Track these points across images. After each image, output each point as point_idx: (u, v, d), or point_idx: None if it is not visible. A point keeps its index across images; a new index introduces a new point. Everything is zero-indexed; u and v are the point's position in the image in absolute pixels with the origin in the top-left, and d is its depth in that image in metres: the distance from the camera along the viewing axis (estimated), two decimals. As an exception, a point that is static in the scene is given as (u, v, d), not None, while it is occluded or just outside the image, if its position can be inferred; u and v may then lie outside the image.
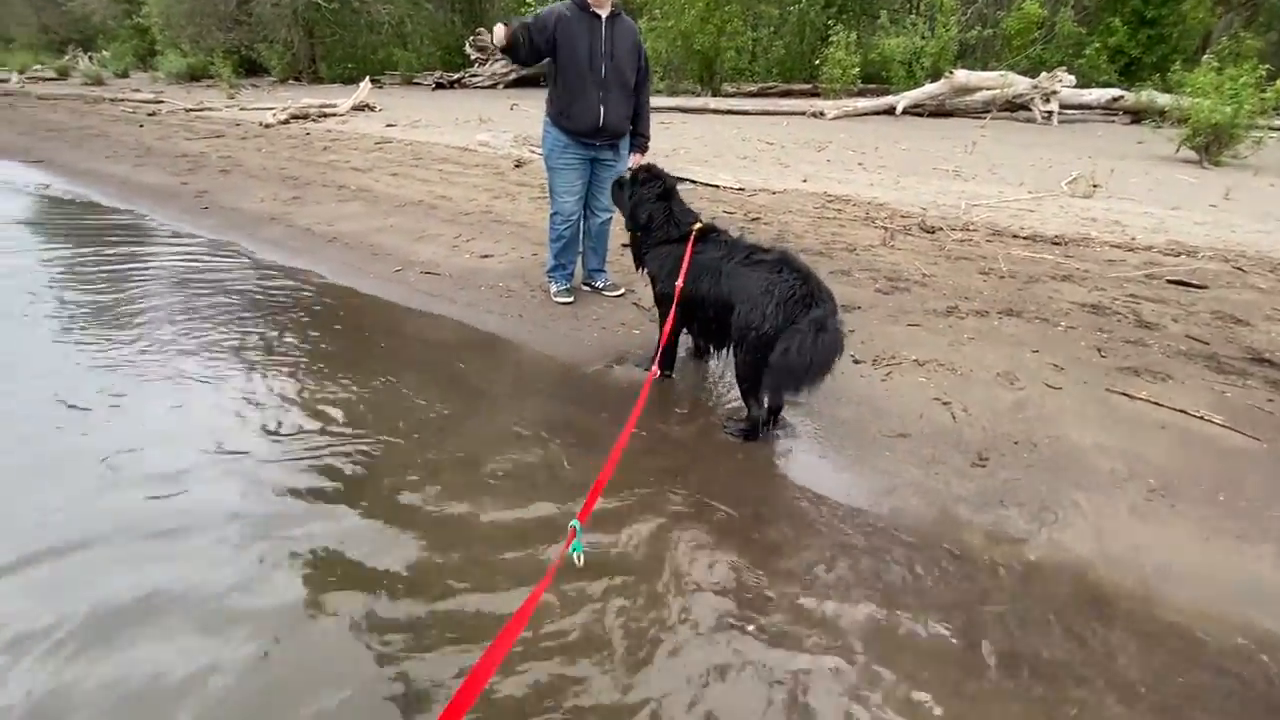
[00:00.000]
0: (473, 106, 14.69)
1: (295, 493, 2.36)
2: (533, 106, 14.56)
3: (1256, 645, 1.81)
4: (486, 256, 4.93)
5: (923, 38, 13.16)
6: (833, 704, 1.62)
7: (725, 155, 8.93)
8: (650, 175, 3.10)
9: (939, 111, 12.25)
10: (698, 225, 2.92)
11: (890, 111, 12.25)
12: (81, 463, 2.46)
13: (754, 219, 5.77)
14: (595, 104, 3.54)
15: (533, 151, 9.23)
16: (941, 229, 5.30)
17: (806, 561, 2.09)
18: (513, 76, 19.62)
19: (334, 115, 12.74)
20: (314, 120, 12.22)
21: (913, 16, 13.75)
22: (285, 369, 3.29)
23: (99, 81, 21.79)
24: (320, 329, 3.80)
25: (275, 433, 2.73)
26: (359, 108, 13.43)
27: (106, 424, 2.73)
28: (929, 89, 12.18)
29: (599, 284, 4.21)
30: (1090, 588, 2.00)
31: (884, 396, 2.97)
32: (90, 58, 25.37)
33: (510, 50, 3.34)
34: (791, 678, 1.69)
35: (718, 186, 7.20)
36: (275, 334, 3.69)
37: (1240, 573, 2.04)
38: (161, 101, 14.79)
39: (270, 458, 2.56)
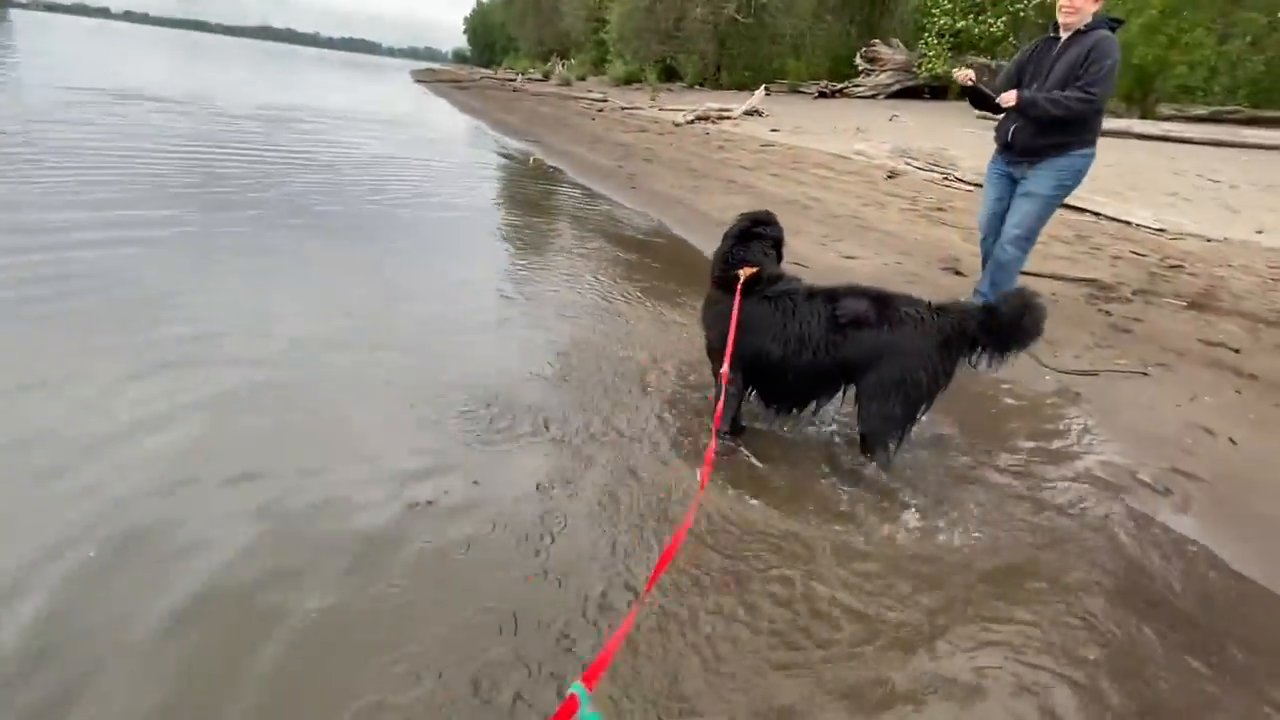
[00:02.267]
0: (852, 116, 14.95)
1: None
2: (911, 119, 14.17)
3: None
4: (850, 258, 5.27)
5: None
6: None
7: (1145, 189, 7.57)
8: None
9: None
10: (747, 272, 2.44)
11: None
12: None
13: (1172, 267, 4.94)
14: (1008, 121, 3.61)
15: (908, 164, 9.15)
16: None
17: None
18: (896, 88, 19.20)
19: (729, 119, 14.38)
20: (713, 122, 14.00)
21: None
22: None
23: (568, 83, 28.38)
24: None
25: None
26: (750, 113, 14.87)
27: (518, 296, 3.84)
28: None
29: None
30: None
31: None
32: (564, 64, 33.07)
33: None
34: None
35: (1127, 223, 6.24)
36: (672, 287, 4.64)
37: None
38: (606, 101, 18.67)
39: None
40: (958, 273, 4.90)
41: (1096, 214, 6.48)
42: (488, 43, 67.39)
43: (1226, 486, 2.47)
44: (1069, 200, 6.95)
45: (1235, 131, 10.60)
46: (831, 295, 2.39)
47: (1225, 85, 12.83)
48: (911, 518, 2.16)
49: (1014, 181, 3.68)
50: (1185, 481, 2.47)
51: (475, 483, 2.16)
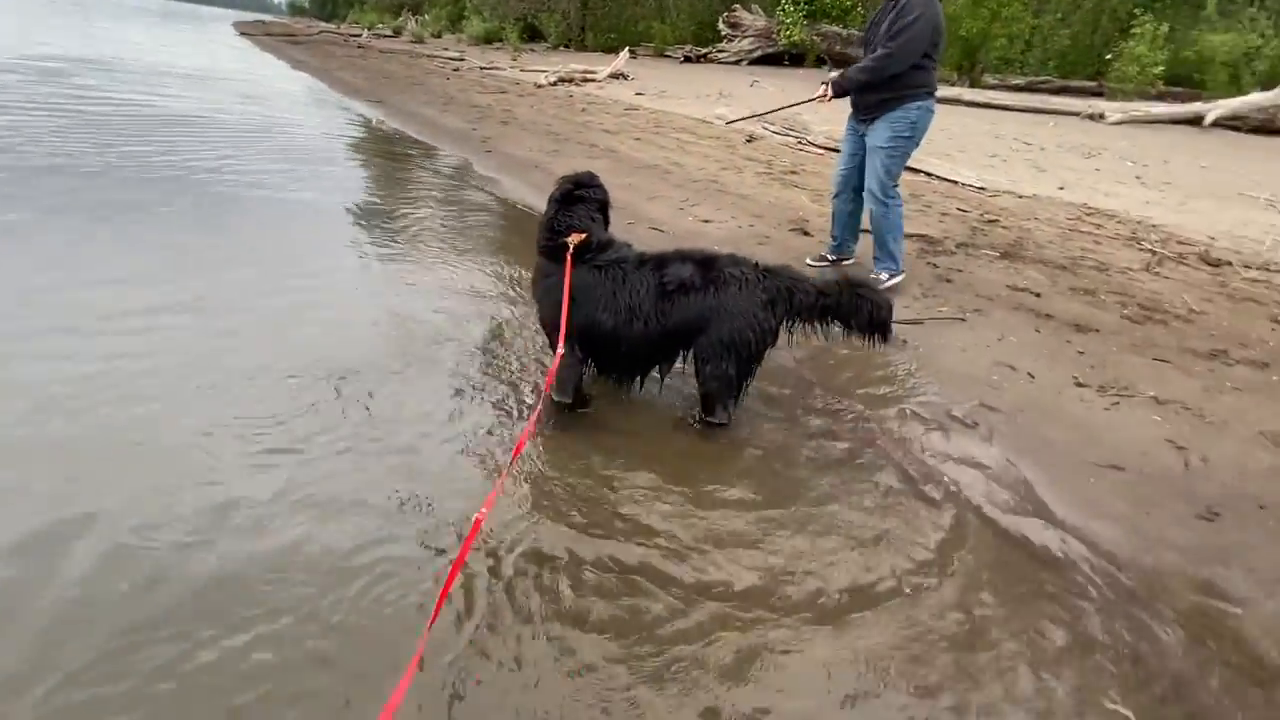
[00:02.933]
0: (715, 81, 15.12)
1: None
2: (771, 84, 14.58)
3: None
4: (707, 221, 5.29)
5: (1261, 36, 10.69)
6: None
7: (971, 151, 8.28)
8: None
9: (1265, 128, 9.96)
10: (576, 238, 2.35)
11: (1195, 122, 10.25)
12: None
13: (990, 221, 5.41)
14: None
15: (765, 128, 9.37)
16: (1230, 264, 4.51)
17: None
18: (757, 54, 19.71)
19: (593, 81, 14.02)
20: (576, 84, 13.58)
21: (1252, 9, 11.19)
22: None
23: (420, 40, 26.31)
24: None
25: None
26: (615, 76, 14.59)
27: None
28: (1256, 99, 9.96)
29: (877, 272, 3.94)
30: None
31: (1103, 426, 2.76)
32: (416, 20, 30.60)
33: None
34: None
35: (954, 182, 6.78)
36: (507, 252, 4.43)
37: None
38: (463, 59, 17.51)
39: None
40: (805, 233, 5.05)
41: (929, 174, 6.97)
42: (331, -8, 60.95)
43: (1023, 416, 2.71)
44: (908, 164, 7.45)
45: (1047, 99, 11.93)
46: (660, 262, 2.32)
47: (1039, 57, 14.38)
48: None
49: (864, 139, 3.89)
50: (989, 414, 2.69)
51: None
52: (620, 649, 1.60)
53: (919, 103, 3.68)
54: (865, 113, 3.79)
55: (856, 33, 18.32)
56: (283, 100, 11.28)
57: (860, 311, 2.40)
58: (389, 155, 7.61)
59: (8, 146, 5.54)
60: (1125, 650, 1.75)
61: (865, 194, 3.88)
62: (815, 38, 18.35)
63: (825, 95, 3.85)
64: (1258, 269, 4.46)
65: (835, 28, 18.65)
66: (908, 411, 2.73)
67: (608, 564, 1.85)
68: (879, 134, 3.72)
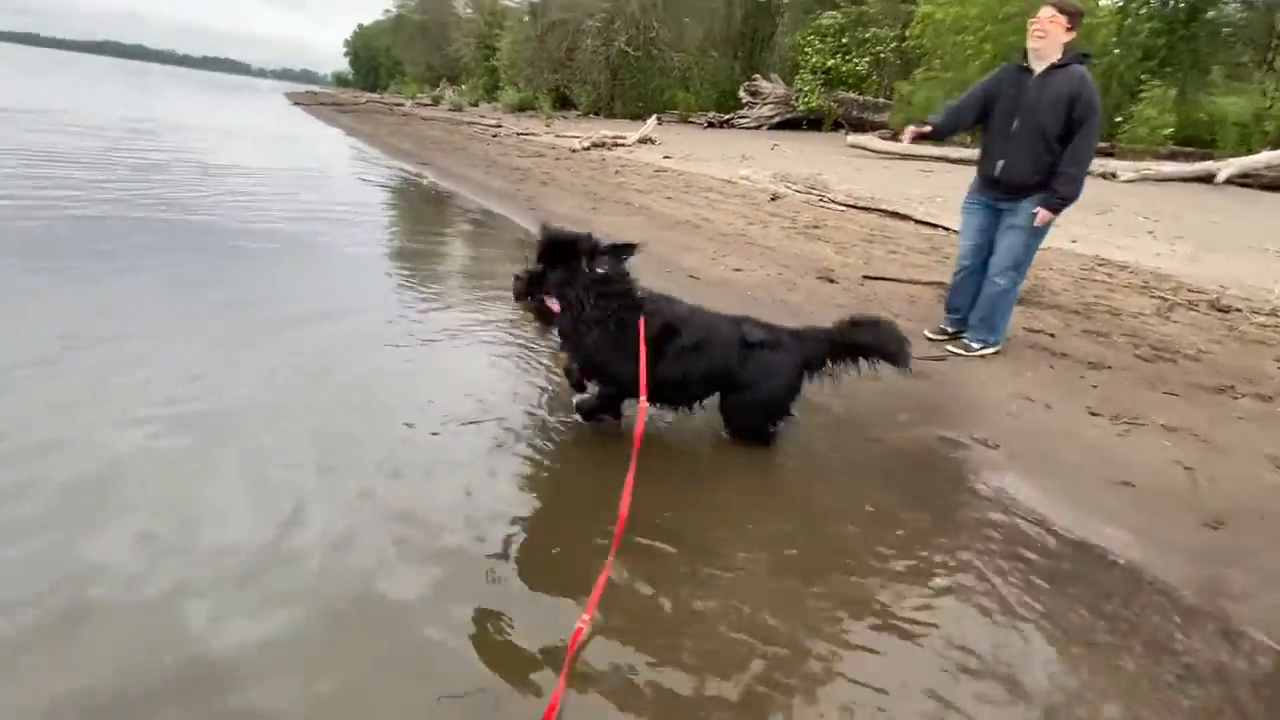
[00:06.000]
0: (738, 145, 15.98)
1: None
2: (790, 147, 15.37)
3: None
4: (738, 270, 5.71)
5: (1270, 98, 11.15)
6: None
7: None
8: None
9: (1276, 185, 10.29)
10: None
11: (1207, 180, 10.62)
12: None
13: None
14: (993, 158, 3.65)
15: (788, 188, 9.95)
16: (1239, 310, 4.78)
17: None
18: (776, 119, 20.75)
19: (623, 145, 14.93)
20: (608, 149, 14.48)
21: (1261, 73, 11.71)
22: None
23: (459, 108, 28.14)
24: None
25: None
26: (644, 140, 15.52)
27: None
28: (1267, 156, 10.33)
29: (969, 340, 3.92)
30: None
31: (1117, 448, 3.01)
32: (454, 90, 32.79)
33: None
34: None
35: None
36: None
37: None
38: (500, 126, 18.77)
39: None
40: (830, 280, 5.44)
41: (947, 228, 7.39)
42: (371, 66, 65.30)
43: (1040, 441, 2.99)
44: (924, 217, 7.90)
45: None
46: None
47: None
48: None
49: (997, 214, 3.75)
50: (1009, 438, 2.96)
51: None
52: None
53: None
54: (1009, 193, 3.64)
55: (871, 99, 19.29)
56: (339, 160, 12.29)
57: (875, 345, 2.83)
58: (457, 215, 8.26)
59: (120, 198, 6.13)
60: (1138, 632, 1.99)
61: (993, 269, 3.75)
62: (833, 104, 19.35)
63: (1046, 218, 3.56)
64: (1266, 315, 4.72)
65: (851, 94, 19.66)
66: (935, 435, 3.02)
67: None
68: (1025, 214, 3.58)
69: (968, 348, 3.90)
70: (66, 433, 2.36)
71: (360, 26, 69.78)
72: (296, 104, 35.29)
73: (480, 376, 3.29)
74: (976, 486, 2.70)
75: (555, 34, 26.23)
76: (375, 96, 44.08)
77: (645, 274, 5.51)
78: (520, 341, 3.75)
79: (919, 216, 7.95)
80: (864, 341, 2.83)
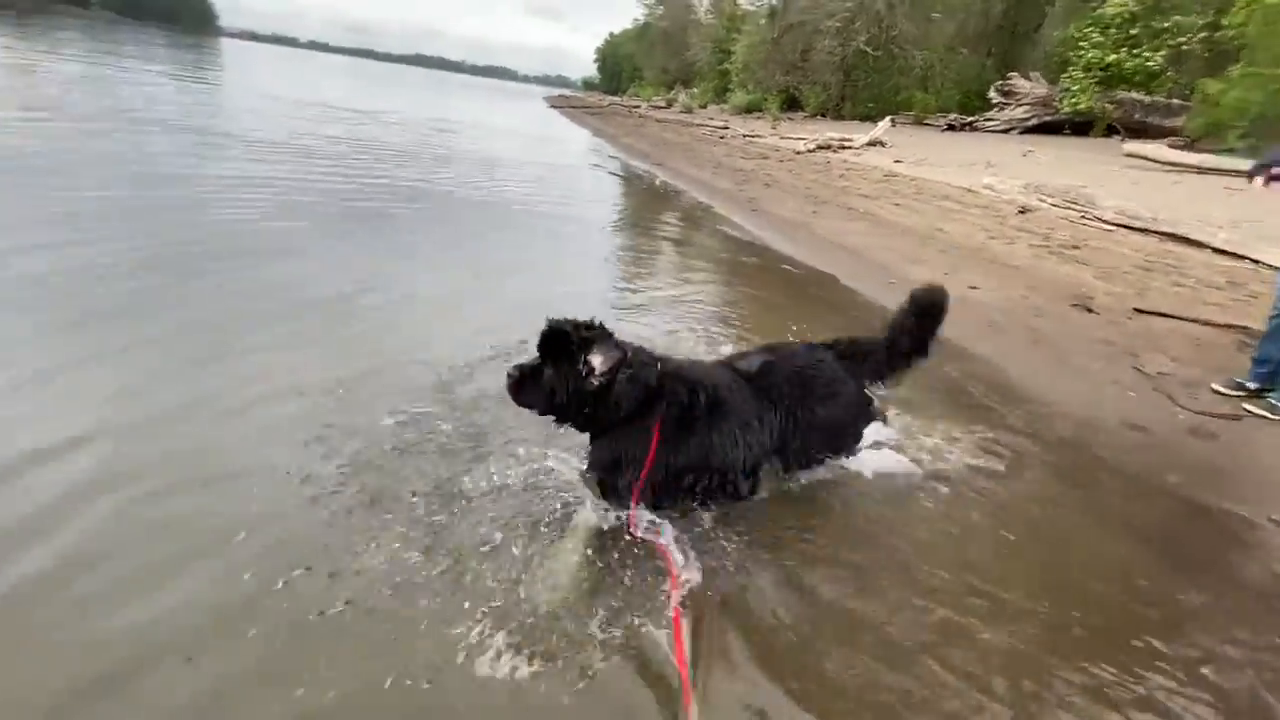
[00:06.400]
0: (981, 150, 14.50)
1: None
2: (1047, 155, 13.55)
3: None
4: (974, 288, 5.32)
5: None
6: None
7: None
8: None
9: None
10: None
11: None
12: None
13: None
14: None
15: (1041, 200, 8.88)
16: None
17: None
18: (1032, 122, 18.35)
19: (849, 148, 14.44)
20: (833, 151, 14.12)
21: None
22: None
23: (689, 110, 29.41)
24: (819, 305, 4.90)
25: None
26: (872, 143, 14.85)
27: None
28: None
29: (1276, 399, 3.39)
30: None
31: None
32: (686, 93, 34.28)
33: None
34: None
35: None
36: (781, 300, 4.95)
37: None
38: (727, 127, 19.28)
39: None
40: (1089, 310, 4.84)
41: (1255, 261, 6.08)
42: (615, 71, 70.70)
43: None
44: (1223, 245, 6.58)
45: None
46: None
47: None
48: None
49: None
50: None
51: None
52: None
53: None
54: None
55: (1162, 100, 16.18)
56: (589, 158, 13.71)
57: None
58: (674, 213, 8.84)
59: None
60: None
61: None
62: (1108, 105, 16.57)
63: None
64: None
65: (1136, 95, 16.65)
66: (1218, 506, 2.60)
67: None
68: None
69: (1274, 408, 3.30)
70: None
71: (610, 34, 75.74)
72: (552, 107, 39.81)
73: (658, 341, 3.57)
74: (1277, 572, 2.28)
75: (791, 36, 26.01)
76: (616, 99, 47.81)
77: (866, 283, 5.45)
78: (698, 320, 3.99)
79: (1216, 244, 6.61)
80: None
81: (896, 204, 8.74)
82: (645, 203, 9.35)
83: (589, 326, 1.96)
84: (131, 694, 1.40)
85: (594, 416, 1.98)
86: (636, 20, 57.20)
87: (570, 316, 1.96)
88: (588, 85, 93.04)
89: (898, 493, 2.41)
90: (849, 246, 6.65)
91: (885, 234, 7.05)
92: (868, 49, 22.99)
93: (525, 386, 1.97)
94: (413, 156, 9.87)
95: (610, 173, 12.39)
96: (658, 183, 10.84)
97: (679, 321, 4.04)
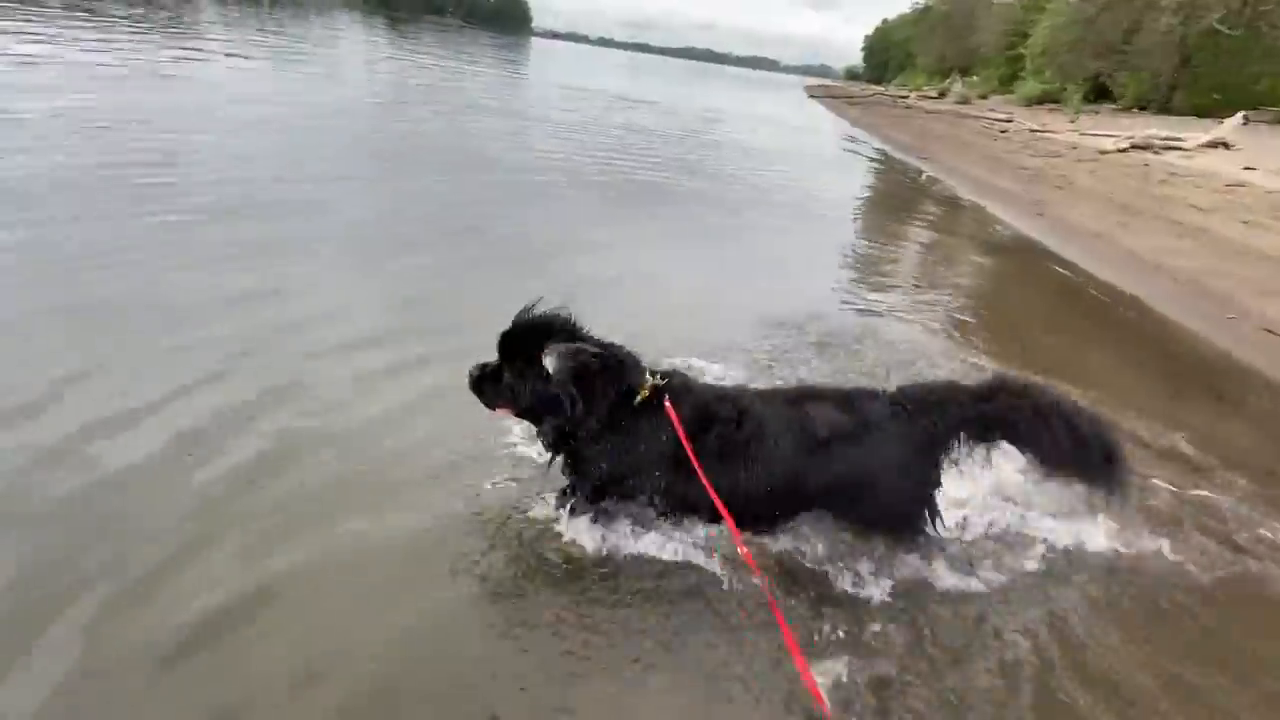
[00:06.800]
0: (1392, 158, 10.91)
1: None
2: None
3: None
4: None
5: None
6: None
7: None
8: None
9: None
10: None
11: None
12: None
13: None
14: None
15: None
16: None
17: None
18: None
19: (1178, 149, 11.92)
20: (1154, 152, 11.80)
21: None
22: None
23: (965, 101, 26.64)
24: (1133, 348, 4.26)
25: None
26: (1213, 144, 12.06)
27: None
28: None
29: None
30: None
31: None
32: (963, 81, 30.98)
33: None
34: None
35: None
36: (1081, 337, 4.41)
37: None
38: (1011, 121, 17.12)
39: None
40: None
41: None
42: (883, 60, 66.40)
43: None
44: None
45: None
46: None
47: None
48: None
49: None
50: None
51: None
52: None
53: None
54: None
55: None
56: (849, 150, 13.36)
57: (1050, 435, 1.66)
58: (944, 212, 8.29)
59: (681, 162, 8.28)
60: None
61: None
62: None
63: None
64: None
65: None
66: None
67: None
68: None
69: None
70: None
71: (884, 21, 71.16)
72: (811, 96, 38.96)
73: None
74: None
75: (1114, 13, 21.77)
76: (880, 89, 45.06)
77: (1188, 312, 4.61)
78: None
79: None
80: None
81: (1243, 221, 7.10)
82: (912, 198, 8.86)
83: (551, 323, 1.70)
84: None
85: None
86: (915, 5, 52.90)
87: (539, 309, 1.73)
88: (850, 75, 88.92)
89: None
90: (1168, 267, 5.64)
91: (1224, 257, 5.84)
92: (1222, 27, 18.38)
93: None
94: (681, 142, 10.59)
95: (872, 164, 11.93)
96: (923, 178, 10.15)
97: (933, 335, 3.82)
